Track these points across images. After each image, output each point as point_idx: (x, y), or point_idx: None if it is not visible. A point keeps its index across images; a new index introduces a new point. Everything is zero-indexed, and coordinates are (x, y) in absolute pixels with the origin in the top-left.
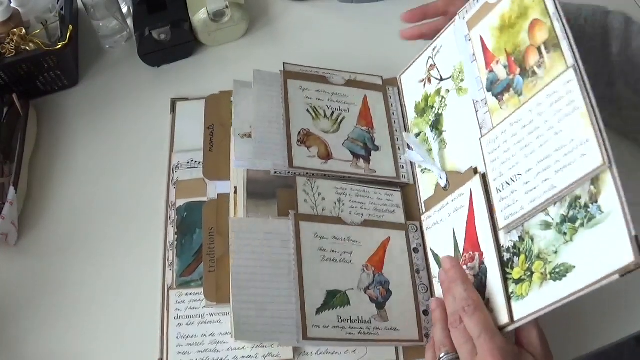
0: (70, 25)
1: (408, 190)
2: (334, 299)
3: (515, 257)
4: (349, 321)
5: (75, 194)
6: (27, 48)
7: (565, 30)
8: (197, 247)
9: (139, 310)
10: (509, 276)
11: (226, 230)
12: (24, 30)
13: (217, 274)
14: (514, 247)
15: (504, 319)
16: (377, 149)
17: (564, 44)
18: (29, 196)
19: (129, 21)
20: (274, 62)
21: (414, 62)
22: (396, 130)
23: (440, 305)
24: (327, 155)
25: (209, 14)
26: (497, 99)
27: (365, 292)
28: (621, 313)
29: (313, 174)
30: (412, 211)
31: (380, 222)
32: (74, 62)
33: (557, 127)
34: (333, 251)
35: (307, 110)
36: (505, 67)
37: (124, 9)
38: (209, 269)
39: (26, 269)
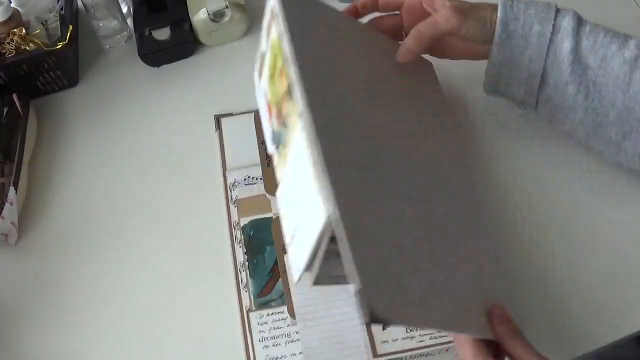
0: (70, 25)
1: None
2: None
3: None
4: (418, 329)
5: (75, 194)
6: (27, 48)
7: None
8: (271, 265)
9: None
10: None
11: None
12: (24, 30)
13: None
14: None
15: None
16: None
17: (296, 91)
18: (29, 196)
19: (129, 21)
20: None
21: None
22: None
23: None
24: None
25: (209, 14)
26: (277, 153)
27: None
28: (621, 313)
29: None
30: None
31: None
32: (74, 62)
33: (300, 185)
34: None
35: None
36: (277, 118)
37: (124, 9)
38: (289, 287)
39: (26, 269)
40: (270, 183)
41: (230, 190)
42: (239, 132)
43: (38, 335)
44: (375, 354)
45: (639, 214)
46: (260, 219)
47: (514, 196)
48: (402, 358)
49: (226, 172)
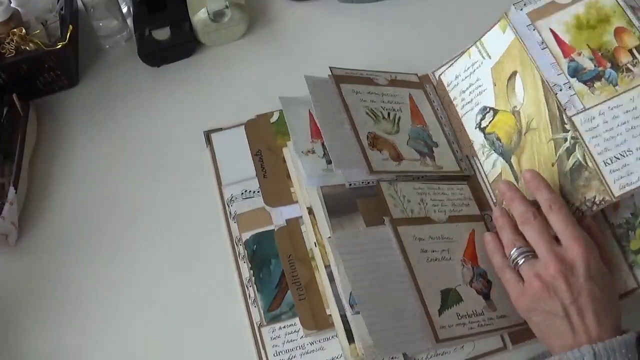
0: (70, 25)
1: (472, 182)
2: (448, 297)
3: (630, 231)
4: (467, 316)
5: (75, 194)
6: (27, 48)
7: None
8: (277, 278)
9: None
10: (627, 248)
11: (306, 255)
12: (24, 30)
13: (308, 301)
14: (627, 222)
15: (631, 284)
16: (436, 145)
17: None
18: (29, 196)
19: (129, 21)
20: (274, 62)
21: (456, 60)
22: (445, 126)
23: (504, 213)
24: (397, 157)
25: (209, 14)
26: (585, 85)
27: (470, 286)
28: (626, 310)
29: (396, 178)
30: (481, 202)
31: (461, 216)
32: (74, 62)
33: None
34: (434, 251)
35: (367, 113)
36: (591, 59)
37: (124, 9)
38: (299, 298)
39: (26, 269)
40: (269, 194)
41: (228, 205)
42: (230, 146)
43: (38, 335)
44: (437, 339)
45: None
46: (262, 232)
47: None
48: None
49: (222, 187)
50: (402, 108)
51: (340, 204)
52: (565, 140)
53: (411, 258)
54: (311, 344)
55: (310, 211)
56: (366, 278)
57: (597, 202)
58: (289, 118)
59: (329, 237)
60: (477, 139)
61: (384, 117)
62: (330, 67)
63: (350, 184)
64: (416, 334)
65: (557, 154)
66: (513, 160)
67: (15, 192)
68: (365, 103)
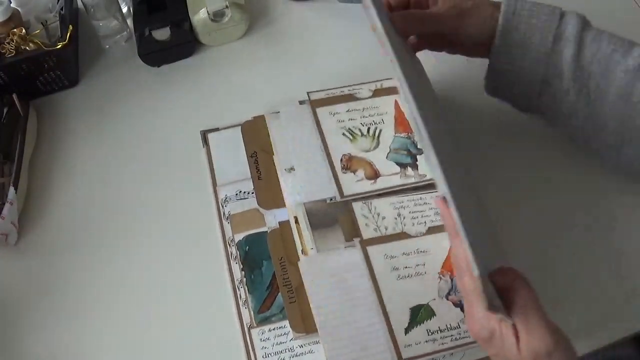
0: (70, 25)
1: None
2: (419, 314)
3: None
4: (439, 332)
5: (75, 194)
6: (27, 48)
7: None
8: (269, 280)
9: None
10: None
11: (297, 258)
12: (24, 30)
13: (299, 303)
14: None
15: None
16: (420, 152)
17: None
18: (29, 196)
19: (129, 21)
20: (274, 63)
21: None
22: None
23: None
24: (374, 175)
25: (209, 14)
26: None
27: (447, 299)
28: (620, 313)
29: (367, 197)
30: None
31: (443, 226)
32: (74, 62)
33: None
34: (406, 267)
35: (344, 134)
36: None
37: (124, 9)
38: (289, 301)
39: (26, 269)
40: (263, 196)
41: (222, 206)
42: (226, 146)
43: (38, 335)
44: (400, 358)
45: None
46: (255, 233)
47: (512, 197)
48: None
49: (217, 187)
50: (385, 119)
51: (323, 217)
52: None
53: (379, 279)
54: (300, 346)
55: (297, 220)
56: (330, 303)
57: None
58: (272, 135)
59: (299, 262)
60: None
61: (362, 134)
62: (307, 93)
63: (331, 199)
64: (378, 355)
65: None
66: None
67: (15, 192)
68: (342, 124)
